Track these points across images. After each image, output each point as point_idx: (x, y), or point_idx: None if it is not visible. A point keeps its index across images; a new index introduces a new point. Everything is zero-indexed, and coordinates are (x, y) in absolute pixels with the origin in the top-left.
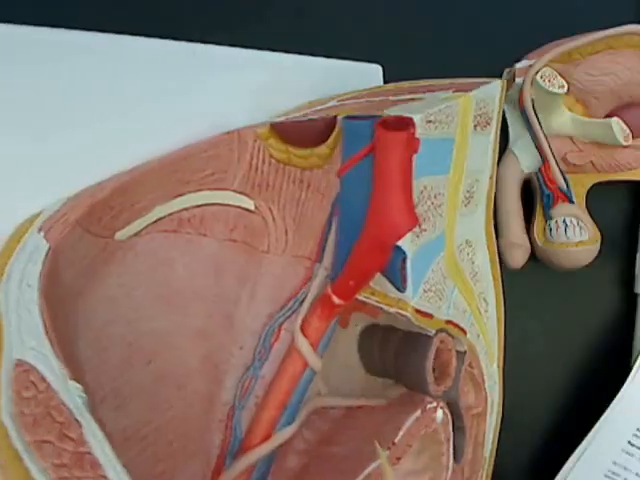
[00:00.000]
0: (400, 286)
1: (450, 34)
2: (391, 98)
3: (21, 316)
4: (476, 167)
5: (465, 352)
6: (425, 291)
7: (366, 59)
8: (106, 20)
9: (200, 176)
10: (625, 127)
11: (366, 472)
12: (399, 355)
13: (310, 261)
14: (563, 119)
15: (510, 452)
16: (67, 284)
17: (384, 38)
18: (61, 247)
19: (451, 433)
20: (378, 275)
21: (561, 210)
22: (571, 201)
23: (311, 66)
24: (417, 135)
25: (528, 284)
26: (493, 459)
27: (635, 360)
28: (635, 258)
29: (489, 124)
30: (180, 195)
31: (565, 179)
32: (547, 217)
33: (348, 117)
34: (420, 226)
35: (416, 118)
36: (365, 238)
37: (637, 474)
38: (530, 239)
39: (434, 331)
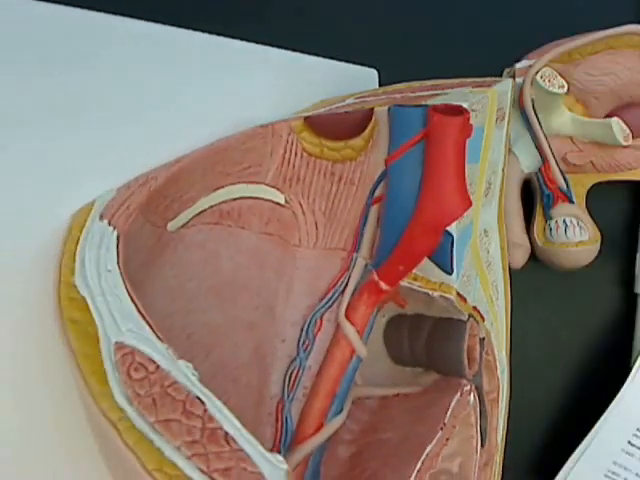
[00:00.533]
0: (449, 269)
1: (450, 34)
2: (410, 95)
3: (109, 300)
4: (495, 159)
5: (484, 338)
6: (462, 276)
7: (367, 58)
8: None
9: (238, 169)
10: (625, 127)
11: (426, 452)
12: (432, 342)
13: (345, 252)
14: (563, 119)
15: (510, 452)
16: (132, 272)
17: (384, 38)
18: (127, 235)
19: (479, 417)
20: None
21: (561, 210)
22: (571, 201)
23: (307, 65)
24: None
25: (528, 284)
26: (504, 446)
27: (635, 360)
28: (635, 258)
29: (504, 119)
30: (221, 187)
31: (565, 179)
32: (547, 217)
33: (397, 106)
34: None
35: (465, 105)
36: (417, 222)
37: (637, 474)
38: (530, 239)
39: (467, 315)
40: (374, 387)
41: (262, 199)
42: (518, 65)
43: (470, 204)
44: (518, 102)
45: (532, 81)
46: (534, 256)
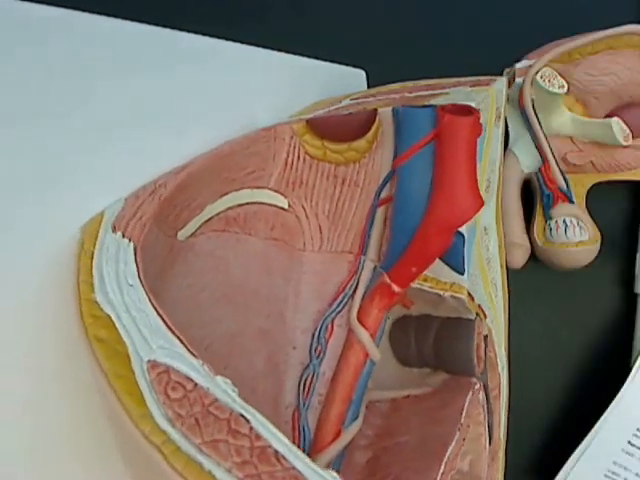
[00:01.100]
0: (460, 269)
1: (450, 34)
2: (408, 95)
3: (135, 316)
4: (493, 157)
5: (487, 336)
6: (470, 275)
7: (354, 59)
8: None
9: (242, 174)
10: (625, 127)
11: (447, 454)
12: (440, 342)
13: (352, 255)
14: (563, 119)
15: (510, 452)
16: (149, 284)
17: (383, 38)
18: (143, 246)
19: (486, 415)
20: None
21: (561, 210)
22: (571, 201)
23: (293, 65)
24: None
25: (528, 284)
26: (505, 442)
27: (635, 360)
28: (635, 258)
29: (500, 117)
30: (226, 193)
31: (565, 179)
32: (547, 217)
33: (404, 106)
34: None
35: (472, 105)
36: (430, 223)
37: (637, 474)
38: (530, 239)
39: (475, 314)
40: (384, 390)
41: (266, 204)
42: (518, 65)
43: (482, 204)
44: (518, 102)
45: (532, 81)
46: (534, 256)
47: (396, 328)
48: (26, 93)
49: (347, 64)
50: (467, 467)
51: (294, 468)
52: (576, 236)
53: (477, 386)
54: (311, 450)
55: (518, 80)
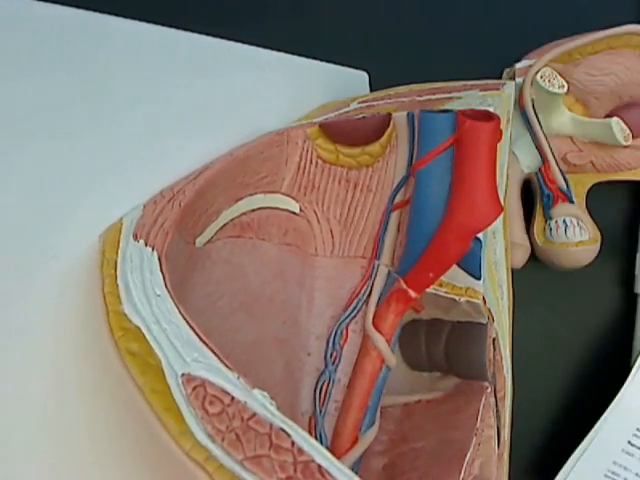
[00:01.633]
0: (477, 274)
1: (450, 34)
2: (418, 98)
3: (165, 328)
4: (502, 160)
5: (495, 339)
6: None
7: (357, 60)
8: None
9: (256, 178)
10: (625, 127)
11: (466, 459)
12: (452, 346)
13: (365, 260)
14: (563, 119)
15: (510, 452)
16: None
17: (383, 38)
18: (166, 255)
19: (496, 417)
20: None
21: (561, 210)
22: (571, 201)
23: (296, 66)
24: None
25: (528, 284)
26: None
27: (635, 360)
28: (635, 258)
29: (509, 121)
30: (241, 198)
31: (565, 179)
32: (547, 217)
33: (423, 111)
34: None
35: (491, 110)
36: (448, 228)
37: (637, 474)
38: (530, 239)
39: (487, 318)
40: (396, 395)
41: (278, 209)
42: (518, 65)
43: (502, 210)
44: (518, 102)
45: (532, 81)
46: (534, 256)
47: (405, 332)
48: (36, 96)
49: (348, 65)
50: (477, 470)
51: None
52: (576, 236)
53: (489, 390)
54: None
55: (518, 80)
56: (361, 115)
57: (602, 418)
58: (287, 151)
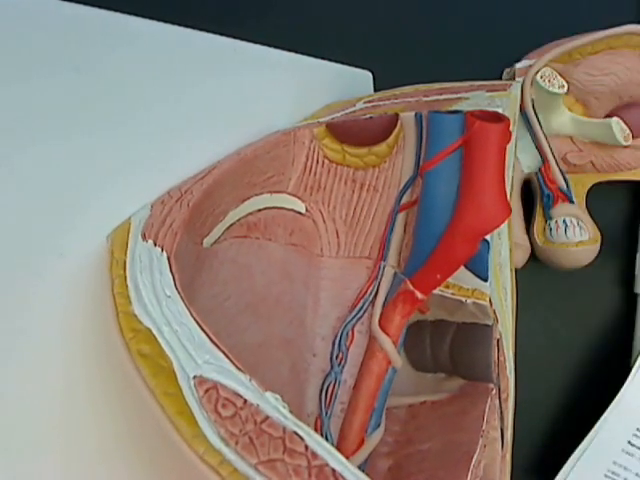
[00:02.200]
0: (484, 276)
1: (450, 34)
2: (425, 99)
3: (176, 330)
4: (510, 161)
5: (499, 340)
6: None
7: (361, 59)
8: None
9: (263, 178)
10: (625, 127)
11: (473, 462)
12: (457, 347)
13: (371, 260)
14: (563, 119)
15: (511, 452)
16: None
17: (383, 38)
18: (176, 255)
19: (500, 419)
20: None
21: (561, 210)
22: (571, 201)
23: (300, 65)
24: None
25: (528, 284)
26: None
27: (635, 360)
28: (635, 258)
29: (515, 123)
30: (247, 198)
31: (565, 179)
32: (547, 217)
33: (431, 112)
34: None
35: (500, 111)
36: (456, 230)
37: (637, 474)
38: (530, 239)
39: (492, 320)
40: (400, 396)
41: (284, 209)
42: (518, 65)
43: (510, 212)
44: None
45: (532, 81)
46: (534, 256)
47: (410, 333)
48: (43, 96)
49: (351, 65)
50: (481, 472)
51: None
52: (576, 236)
53: (494, 391)
54: None
55: (518, 80)
56: (368, 115)
57: (602, 418)
58: (294, 151)
